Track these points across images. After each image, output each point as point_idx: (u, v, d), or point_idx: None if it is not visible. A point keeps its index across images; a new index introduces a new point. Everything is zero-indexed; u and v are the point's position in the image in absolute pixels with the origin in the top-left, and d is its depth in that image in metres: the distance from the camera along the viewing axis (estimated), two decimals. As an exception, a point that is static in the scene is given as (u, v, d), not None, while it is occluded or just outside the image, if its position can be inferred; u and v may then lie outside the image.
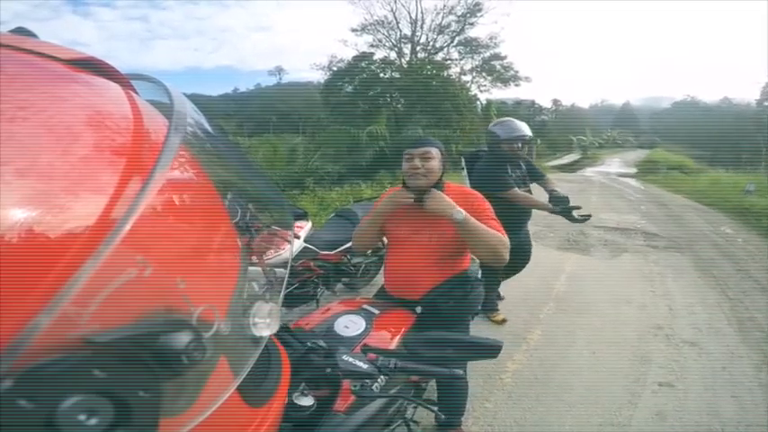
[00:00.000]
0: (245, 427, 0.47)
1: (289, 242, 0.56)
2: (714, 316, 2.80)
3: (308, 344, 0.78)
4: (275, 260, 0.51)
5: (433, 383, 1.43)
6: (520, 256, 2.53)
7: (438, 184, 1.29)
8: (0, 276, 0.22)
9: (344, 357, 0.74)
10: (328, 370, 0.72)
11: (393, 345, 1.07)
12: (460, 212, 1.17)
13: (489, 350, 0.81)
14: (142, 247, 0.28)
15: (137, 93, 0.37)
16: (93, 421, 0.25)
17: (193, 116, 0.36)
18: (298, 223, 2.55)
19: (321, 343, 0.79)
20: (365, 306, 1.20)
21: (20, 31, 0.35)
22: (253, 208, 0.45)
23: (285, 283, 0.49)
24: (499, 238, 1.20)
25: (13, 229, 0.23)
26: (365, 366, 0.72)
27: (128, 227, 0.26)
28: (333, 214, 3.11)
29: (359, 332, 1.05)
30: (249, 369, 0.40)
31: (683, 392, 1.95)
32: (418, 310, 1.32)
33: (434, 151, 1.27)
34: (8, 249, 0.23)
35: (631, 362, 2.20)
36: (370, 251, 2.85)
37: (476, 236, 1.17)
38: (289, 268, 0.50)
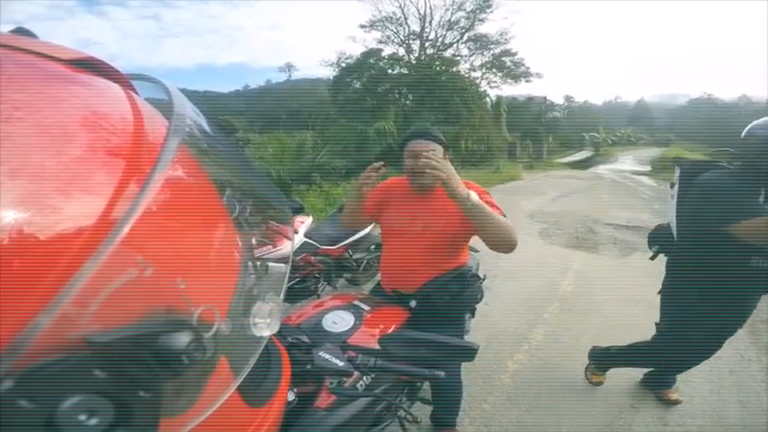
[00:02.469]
0: (245, 427, 0.47)
1: (288, 238, 0.55)
2: (725, 318, 2.75)
3: (290, 339, 0.77)
4: (274, 256, 0.51)
5: (427, 383, 1.40)
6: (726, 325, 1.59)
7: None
8: (0, 276, 0.22)
9: (321, 353, 0.72)
10: (309, 366, 0.71)
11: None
12: (469, 192, 1.09)
13: (464, 352, 0.79)
14: (142, 247, 0.28)
15: (137, 93, 0.37)
16: (93, 421, 0.25)
17: (193, 116, 0.36)
18: (298, 218, 2.55)
19: (304, 338, 0.78)
20: (356, 302, 1.18)
21: (19, 31, 0.35)
22: (251, 205, 0.45)
23: (286, 279, 0.49)
24: (506, 221, 1.14)
25: (14, 229, 0.23)
26: (341, 364, 0.71)
27: (128, 227, 0.26)
28: (335, 209, 3.12)
29: (346, 328, 1.03)
30: (249, 369, 0.40)
31: (688, 396, 1.92)
32: (412, 304, 1.30)
33: (437, 148, 1.24)
34: (9, 249, 0.23)
35: (637, 363, 2.17)
36: (373, 246, 2.85)
37: (483, 215, 1.09)
38: (290, 263, 0.50)
